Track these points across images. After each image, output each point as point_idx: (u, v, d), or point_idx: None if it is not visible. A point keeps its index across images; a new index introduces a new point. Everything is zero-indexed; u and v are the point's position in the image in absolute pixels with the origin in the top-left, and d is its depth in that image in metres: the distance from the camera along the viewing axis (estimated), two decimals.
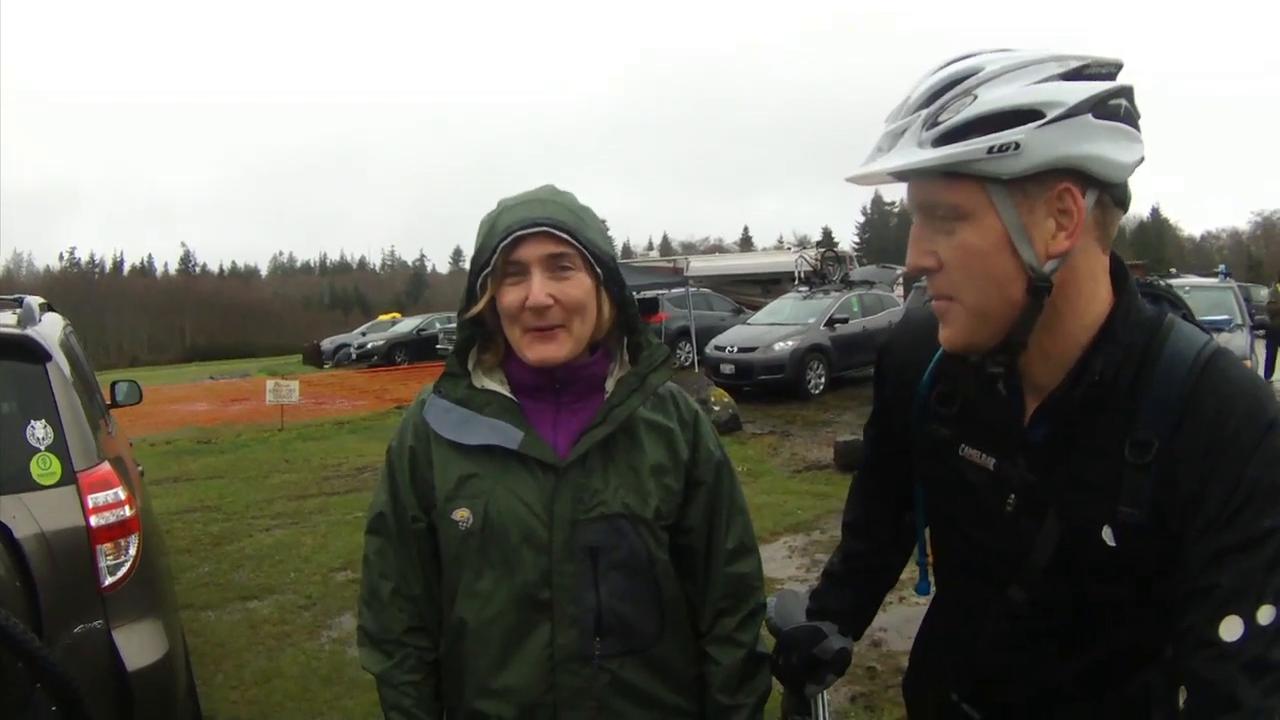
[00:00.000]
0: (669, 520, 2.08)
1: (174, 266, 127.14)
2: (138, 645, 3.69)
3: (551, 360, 1.97)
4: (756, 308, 25.16)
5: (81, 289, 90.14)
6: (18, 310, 4.32)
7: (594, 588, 1.98)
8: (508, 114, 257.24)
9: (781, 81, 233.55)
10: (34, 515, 3.48)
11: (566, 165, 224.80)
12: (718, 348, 20.02)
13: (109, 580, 3.64)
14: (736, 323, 23.30)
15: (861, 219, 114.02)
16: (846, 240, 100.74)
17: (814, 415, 17.33)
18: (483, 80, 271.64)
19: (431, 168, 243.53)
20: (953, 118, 1.44)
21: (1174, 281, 16.50)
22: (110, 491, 3.72)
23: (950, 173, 1.46)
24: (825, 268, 29.98)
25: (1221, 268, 19.40)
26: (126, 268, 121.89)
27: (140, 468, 5.66)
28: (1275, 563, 1.39)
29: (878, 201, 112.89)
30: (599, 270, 2.00)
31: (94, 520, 3.62)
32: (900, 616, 6.06)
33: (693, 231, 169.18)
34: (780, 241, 75.75)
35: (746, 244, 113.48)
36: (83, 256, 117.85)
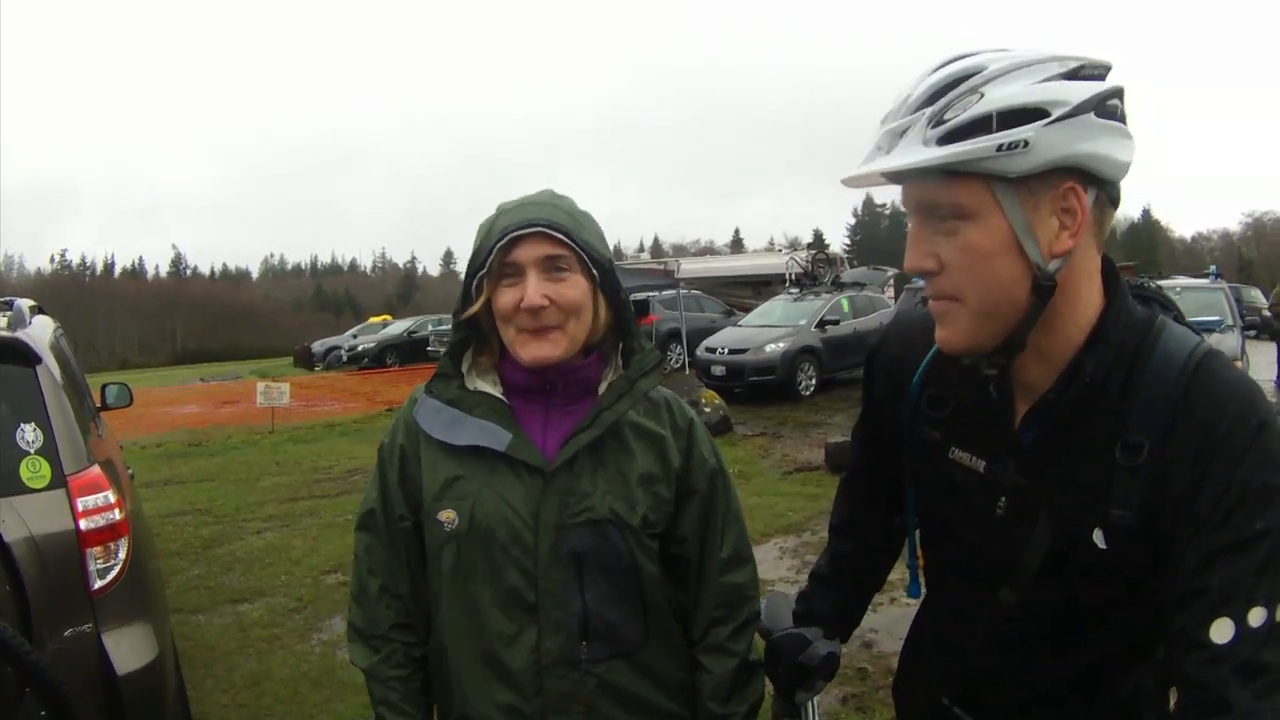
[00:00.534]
0: (658, 529, 2.07)
1: (165, 269, 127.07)
2: (127, 649, 3.68)
3: (546, 360, 1.97)
4: (747, 309, 25.14)
5: (72, 291, 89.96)
6: (8, 313, 4.33)
7: (579, 593, 1.98)
8: (499, 116, 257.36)
9: (773, 83, 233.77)
10: (24, 518, 3.46)
11: (558, 167, 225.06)
12: (709, 349, 20.01)
13: (99, 583, 3.62)
14: (727, 324, 23.28)
15: (853, 221, 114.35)
16: (838, 242, 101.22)
17: (805, 417, 17.34)
18: (474, 83, 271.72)
19: (423, 170, 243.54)
20: (959, 115, 1.43)
21: (1165, 283, 16.53)
22: (100, 495, 3.70)
23: (954, 171, 1.45)
24: (816, 269, 30.00)
25: (1212, 268, 19.40)
26: (117, 270, 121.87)
27: (130, 471, 5.64)
28: (1266, 565, 1.39)
29: (869, 203, 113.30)
30: (595, 273, 2.00)
31: (84, 523, 3.61)
32: (891, 618, 6.08)
33: (684, 233, 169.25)
34: (771, 243, 76.04)
35: (738, 246, 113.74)
36: (74, 259, 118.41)
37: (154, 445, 17.68)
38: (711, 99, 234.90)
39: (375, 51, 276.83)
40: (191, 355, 75.21)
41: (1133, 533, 1.51)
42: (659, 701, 2.07)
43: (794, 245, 48.28)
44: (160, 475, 14.35)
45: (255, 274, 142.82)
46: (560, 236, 1.93)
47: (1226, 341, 14.01)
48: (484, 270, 1.96)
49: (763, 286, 31.64)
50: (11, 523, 3.42)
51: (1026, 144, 1.42)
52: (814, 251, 34.56)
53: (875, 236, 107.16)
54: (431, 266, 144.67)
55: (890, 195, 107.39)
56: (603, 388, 2.08)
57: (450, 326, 2.14)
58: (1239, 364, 13.29)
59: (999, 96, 1.43)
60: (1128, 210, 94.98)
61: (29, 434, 3.66)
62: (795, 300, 22.13)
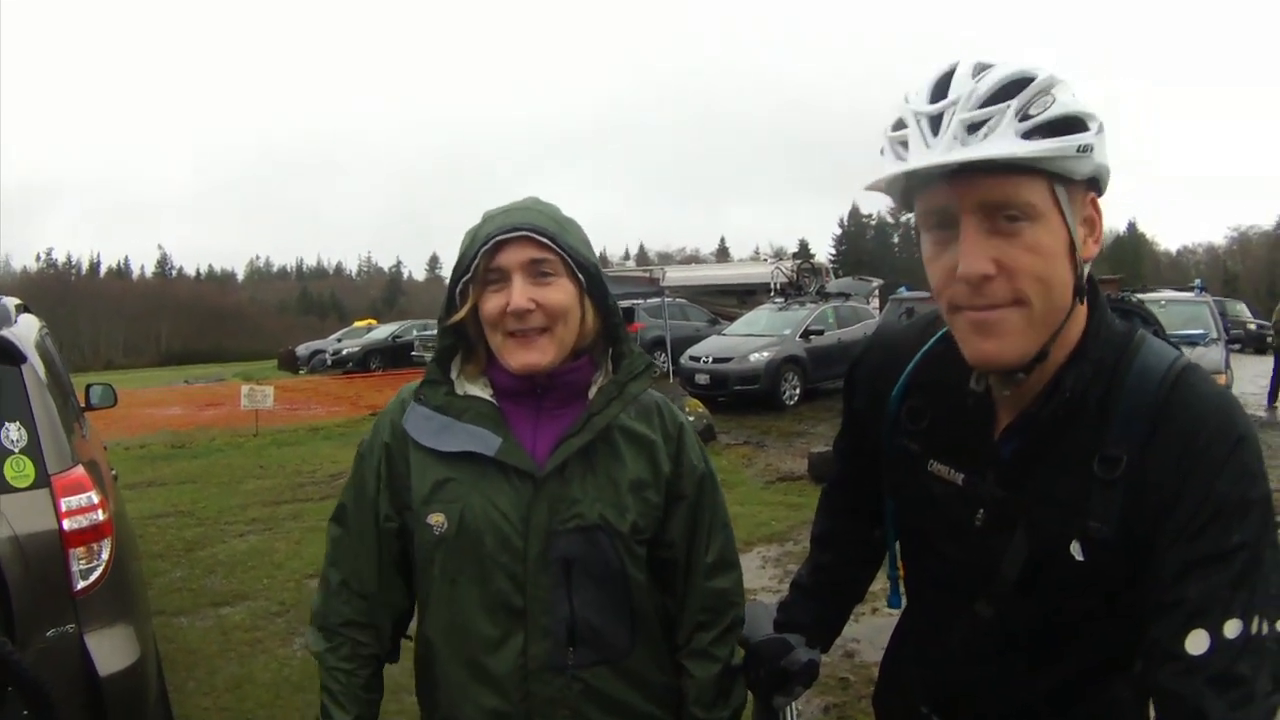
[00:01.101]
0: (646, 534, 2.08)
1: (150, 269, 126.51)
2: (110, 650, 3.67)
3: (534, 366, 1.97)
4: (732, 318, 25.16)
5: (58, 290, 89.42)
6: None
7: (567, 598, 1.98)
8: (484, 122, 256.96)
9: (760, 93, 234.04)
10: (6, 518, 3.46)
11: (543, 173, 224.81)
12: (693, 358, 19.98)
13: (81, 584, 3.62)
14: (712, 333, 23.22)
15: (838, 231, 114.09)
16: (823, 252, 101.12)
17: (789, 426, 17.34)
18: (459, 89, 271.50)
19: (409, 175, 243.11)
20: (1042, 113, 1.43)
21: (1150, 295, 16.55)
22: (84, 495, 3.70)
23: (1025, 169, 1.44)
24: (801, 279, 30.04)
25: (1197, 282, 19.47)
26: (103, 269, 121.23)
27: (114, 471, 5.63)
28: (1242, 577, 1.40)
29: (854, 214, 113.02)
30: (582, 278, 2.01)
31: (67, 524, 3.60)
32: (873, 628, 6.09)
33: (669, 241, 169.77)
34: (757, 253, 75.99)
35: (723, 255, 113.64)
36: (59, 257, 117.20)
37: (137, 446, 17.57)
38: (697, 107, 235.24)
39: (363, 55, 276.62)
40: (177, 357, 74.75)
41: (1110, 545, 1.52)
42: (643, 706, 2.08)
43: (779, 255, 48.23)
44: (143, 477, 14.27)
45: (241, 276, 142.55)
46: (545, 241, 1.94)
47: (1210, 355, 14.00)
48: (469, 276, 1.97)
49: (748, 296, 31.70)
50: None
51: (1090, 149, 1.45)
52: (799, 261, 34.72)
53: (861, 247, 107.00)
54: (417, 271, 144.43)
55: (875, 205, 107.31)
56: (593, 392, 2.09)
57: (435, 332, 2.14)
58: (1223, 377, 13.39)
59: (1066, 101, 1.45)
60: (1114, 223, 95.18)
61: (13, 433, 3.65)
62: (780, 310, 22.18)
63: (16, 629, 3.35)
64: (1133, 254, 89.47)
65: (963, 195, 1.47)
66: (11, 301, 4.80)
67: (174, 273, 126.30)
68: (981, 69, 1.49)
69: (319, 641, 2.13)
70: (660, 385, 18.73)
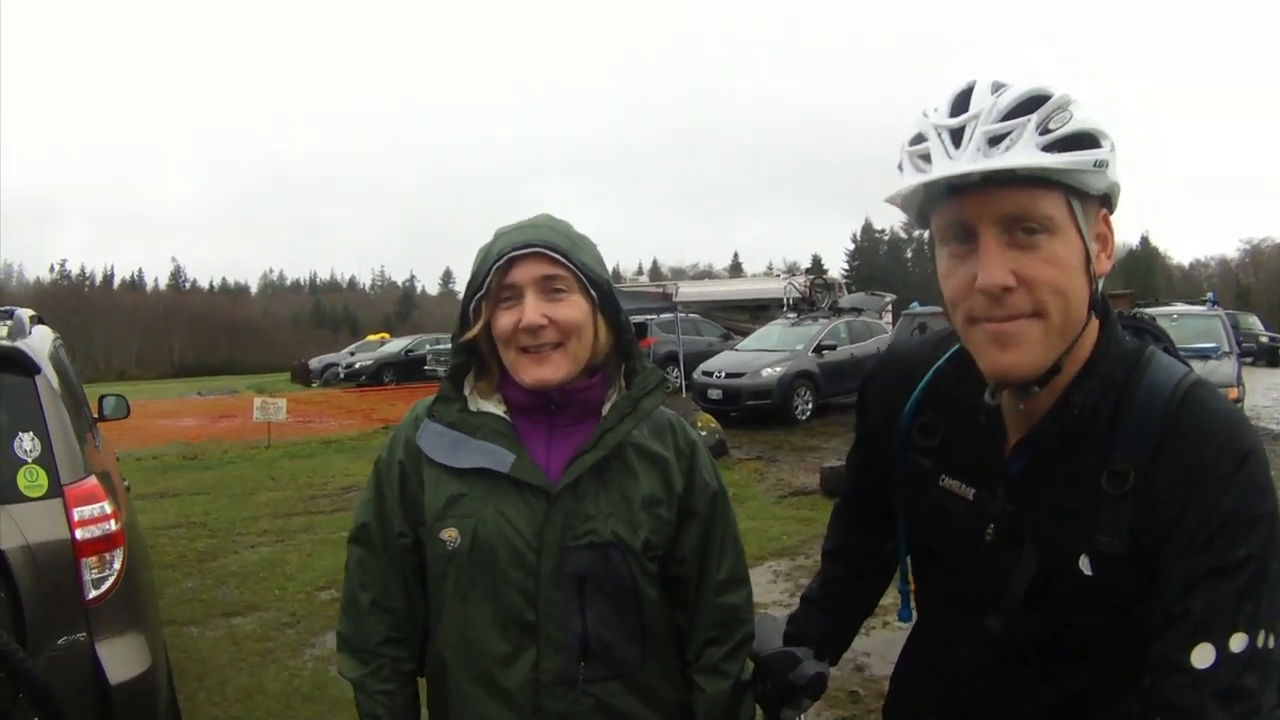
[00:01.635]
0: (659, 550, 2.08)
1: (164, 281, 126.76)
2: (120, 658, 3.69)
3: (547, 382, 1.97)
4: (745, 334, 25.19)
5: (71, 301, 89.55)
6: (8, 323, 4.36)
7: (580, 614, 1.98)
8: (499, 138, 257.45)
9: (773, 107, 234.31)
10: (20, 527, 3.48)
11: (559, 188, 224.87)
12: (705, 373, 20.04)
13: (93, 593, 3.64)
14: (725, 348, 23.27)
15: (851, 246, 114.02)
16: (836, 267, 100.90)
17: (801, 441, 17.35)
18: (475, 104, 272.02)
19: (424, 189, 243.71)
20: (1061, 128, 1.45)
21: (1162, 309, 16.49)
22: (96, 505, 3.72)
23: (1044, 182, 1.46)
24: (814, 294, 29.98)
25: (1209, 295, 19.41)
26: (117, 281, 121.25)
27: (126, 482, 5.66)
28: (1248, 591, 1.40)
29: (868, 229, 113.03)
30: (594, 294, 2.01)
31: (79, 533, 3.63)
32: (884, 641, 6.07)
33: (683, 256, 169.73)
34: (770, 268, 75.87)
35: (736, 270, 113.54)
36: (73, 269, 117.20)
37: (150, 457, 17.66)
38: (711, 123, 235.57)
39: (379, 69, 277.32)
40: (190, 369, 74.85)
41: (1119, 560, 1.52)
42: None
43: (792, 270, 48.24)
44: (156, 488, 14.33)
45: (254, 289, 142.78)
46: (557, 257, 1.95)
47: (1223, 368, 13.96)
48: (482, 293, 1.98)
49: (760, 311, 31.67)
50: (8, 531, 3.44)
51: (1106, 164, 1.47)
52: (812, 277, 34.55)
53: (874, 263, 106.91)
54: (430, 286, 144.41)
55: (889, 220, 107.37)
56: (606, 408, 2.09)
57: (449, 346, 2.15)
58: (1235, 391, 13.33)
59: (1082, 118, 1.46)
60: (1127, 237, 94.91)
61: (27, 443, 3.68)
62: (793, 325, 22.20)
63: (28, 637, 3.37)
64: (1145, 268, 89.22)
65: (982, 207, 1.48)
66: (26, 313, 4.85)
67: (188, 285, 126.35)
68: (999, 86, 1.51)
69: (355, 667, 2.13)
70: (673, 400, 18.85)
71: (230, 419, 24.38)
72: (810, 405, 19.44)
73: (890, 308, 31.86)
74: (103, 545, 3.70)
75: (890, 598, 2.17)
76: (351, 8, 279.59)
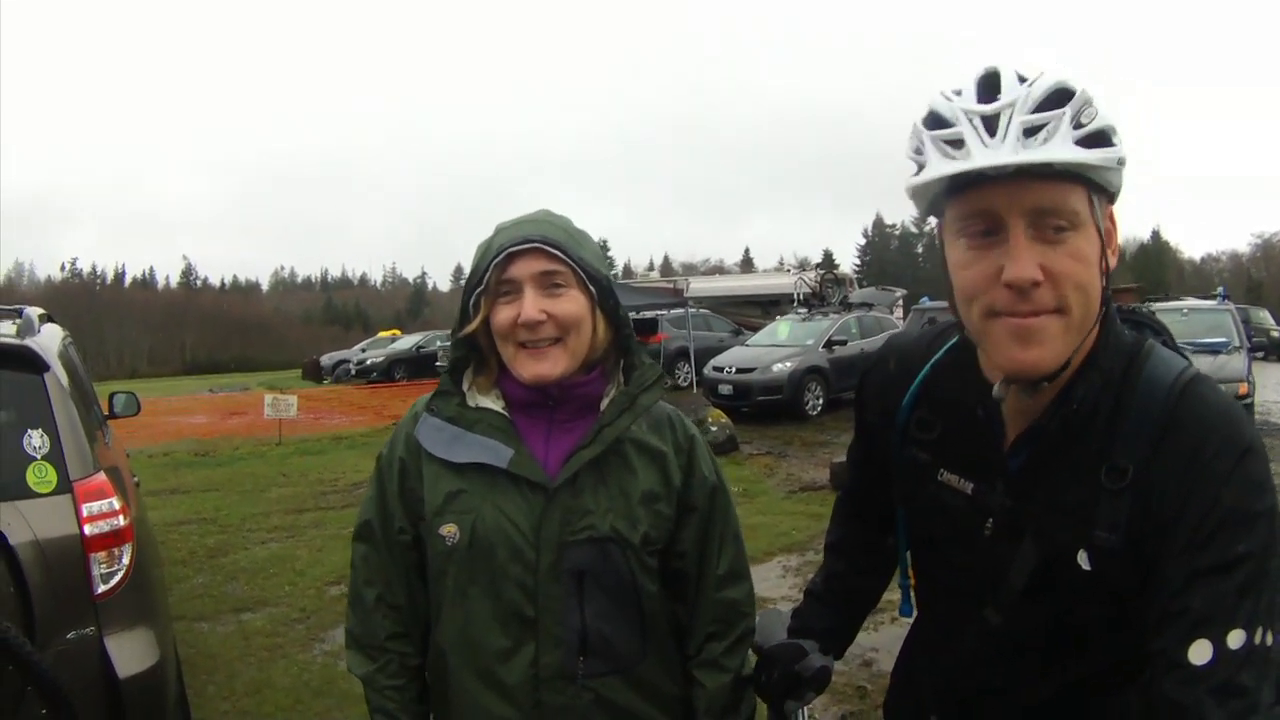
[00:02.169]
0: (658, 545, 2.08)
1: (175, 279, 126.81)
2: (129, 653, 3.71)
3: (546, 378, 1.98)
4: (756, 329, 25.18)
5: (82, 299, 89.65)
6: (17, 320, 4.38)
7: (579, 609, 1.99)
8: (511, 135, 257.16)
9: (777, 105, 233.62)
10: (29, 522, 3.50)
11: (569, 185, 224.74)
12: (716, 368, 20.04)
13: (102, 588, 3.66)
14: (735, 344, 23.30)
15: (862, 241, 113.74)
16: (847, 262, 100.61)
17: (811, 436, 17.33)
18: (486, 101, 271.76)
19: (433, 185, 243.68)
20: (1090, 123, 1.44)
21: (1172, 304, 16.37)
22: (105, 501, 3.74)
23: (1071, 177, 1.45)
24: (825, 290, 29.98)
25: (1220, 289, 19.31)
26: (128, 279, 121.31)
27: (136, 478, 5.68)
28: (1246, 588, 1.41)
29: (879, 224, 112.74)
30: (593, 289, 2.01)
31: (88, 529, 3.65)
32: (891, 636, 6.05)
33: (693, 252, 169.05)
34: (780, 263, 75.98)
35: (747, 265, 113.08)
36: (84, 267, 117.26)
37: (161, 454, 17.71)
38: (722, 119, 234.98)
39: (391, 65, 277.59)
40: (201, 366, 74.89)
41: (1117, 554, 1.53)
42: (653, 716, 2.09)
43: (803, 265, 48.02)
44: (167, 484, 14.38)
45: (265, 286, 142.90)
46: (556, 252, 1.95)
47: (1233, 363, 13.89)
48: (481, 288, 1.98)
49: (771, 306, 31.70)
50: (17, 526, 3.46)
51: (1124, 162, 1.48)
52: (823, 272, 34.54)
53: (885, 257, 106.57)
54: (441, 282, 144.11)
55: (901, 215, 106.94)
56: (604, 404, 2.09)
57: (450, 344, 2.15)
58: (1245, 386, 13.25)
59: (1106, 114, 1.46)
60: (1137, 231, 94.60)
61: (36, 440, 3.70)
62: (803, 320, 22.15)
63: (37, 631, 3.38)
64: (1156, 262, 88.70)
65: (1014, 199, 1.47)
66: (35, 311, 4.87)
67: (199, 283, 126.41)
68: (1029, 81, 1.49)
69: (363, 664, 2.14)
70: (684, 396, 18.84)
71: (241, 416, 24.42)
72: (821, 400, 19.41)
73: (901, 302, 31.80)
74: (111, 540, 3.72)
75: (896, 593, 2.17)
76: (356, 8, 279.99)
